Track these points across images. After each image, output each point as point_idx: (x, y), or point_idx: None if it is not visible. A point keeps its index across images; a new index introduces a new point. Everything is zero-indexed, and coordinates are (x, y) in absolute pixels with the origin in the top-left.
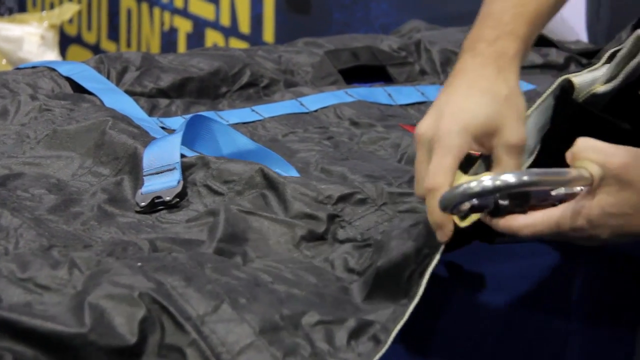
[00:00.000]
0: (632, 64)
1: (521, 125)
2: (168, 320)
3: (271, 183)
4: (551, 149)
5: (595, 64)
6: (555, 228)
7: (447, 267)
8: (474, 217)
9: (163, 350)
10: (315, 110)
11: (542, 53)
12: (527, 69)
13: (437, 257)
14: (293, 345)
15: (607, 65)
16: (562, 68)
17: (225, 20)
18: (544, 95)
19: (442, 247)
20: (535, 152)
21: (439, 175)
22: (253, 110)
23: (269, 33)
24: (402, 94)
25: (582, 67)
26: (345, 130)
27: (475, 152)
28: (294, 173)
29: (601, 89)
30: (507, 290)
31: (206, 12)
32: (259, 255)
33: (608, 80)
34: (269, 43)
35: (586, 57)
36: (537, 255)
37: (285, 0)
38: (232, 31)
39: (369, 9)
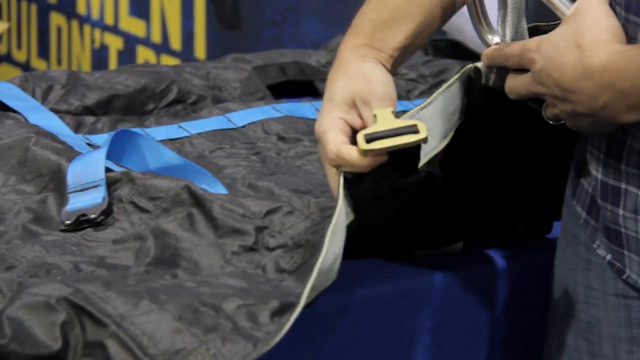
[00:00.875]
0: (513, 21)
1: (371, 84)
2: (88, 320)
3: (198, 200)
4: (467, 138)
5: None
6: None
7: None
8: (383, 143)
9: (87, 349)
10: (243, 126)
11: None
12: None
13: (335, 220)
14: (214, 324)
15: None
16: None
17: (156, 37)
18: (450, 81)
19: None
20: (448, 138)
21: (334, 147)
22: (180, 127)
23: (200, 49)
24: None
25: None
26: (273, 146)
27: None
28: (221, 189)
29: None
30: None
31: (137, 28)
32: (189, 275)
33: None
34: (200, 59)
35: None
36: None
37: (216, 17)
38: (163, 48)
39: (299, 25)
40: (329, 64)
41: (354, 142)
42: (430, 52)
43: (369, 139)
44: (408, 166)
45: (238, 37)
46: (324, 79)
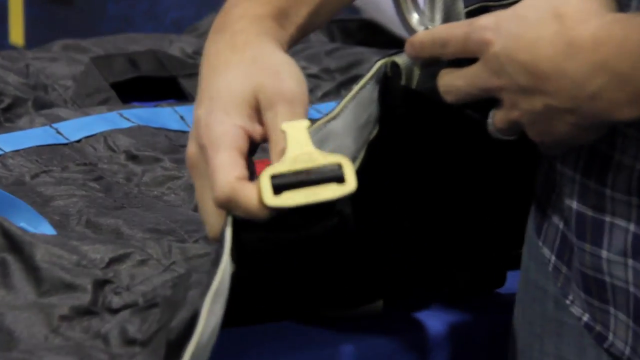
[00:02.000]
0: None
1: (281, 79)
2: None
3: (14, 244)
4: (382, 159)
5: None
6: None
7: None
8: (296, 197)
9: None
10: (78, 141)
11: None
12: None
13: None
14: None
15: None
16: None
17: None
18: (361, 82)
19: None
20: (359, 159)
21: (219, 179)
22: None
23: (16, 32)
24: None
25: None
26: (121, 168)
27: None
28: (47, 229)
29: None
30: None
31: None
32: (1, 350)
33: None
34: (16, 46)
35: None
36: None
37: None
38: None
39: None
40: (198, 54)
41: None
42: (337, 37)
43: (278, 186)
44: (319, 214)
45: (70, 15)
46: (190, 75)
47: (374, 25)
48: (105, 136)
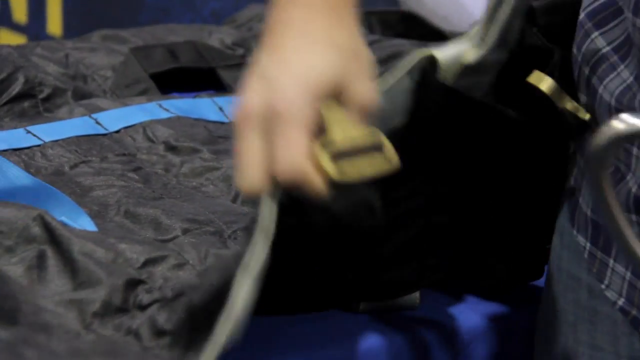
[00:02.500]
0: (502, 16)
1: (369, 82)
2: None
3: (54, 236)
4: (414, 142)
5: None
6: None
7: None
8: (356, 166)
9: None
10: (117, 131)
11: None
12: None
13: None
14: None
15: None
16: None
17: None
18: (397, 74)
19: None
20: None
21: (293, 153)
22: (28, 132)
23: (54, 23)
24: None
25: None
26: (160, 158)
27: None
28: (86, 221)
29: (470, 56)
30: None
31: None
32: (32, 345)
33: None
34: (54, 37)
35: None
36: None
37: None
38: (1, 19)
39: None
40: (238, 44)
41: None
42: (376, 29)
43: (335, 156)
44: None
45: (109, 5)
46: (229, 66)
47: (413, 17)
48: (144, 127)
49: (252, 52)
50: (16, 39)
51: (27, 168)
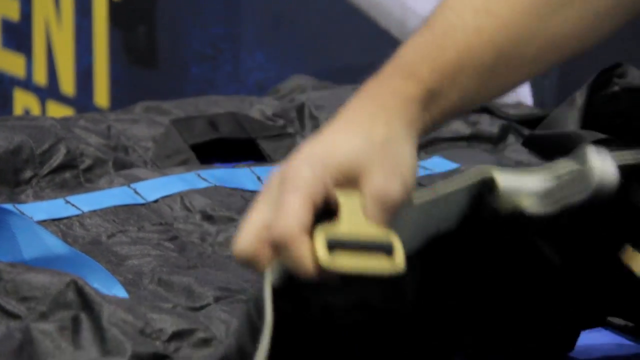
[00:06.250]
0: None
1: (394, 177)
2: None
3: (87, 302)
4: (453, 250)
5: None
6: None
7: None
8: (349, 260)
9: None
10: (155, 201)
11: (470, 120)
12: (449, 142)
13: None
14: None
15: (544, 174)
16: (498, 141)
17: (40, 77)
18: (452, 187)
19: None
20: (414, 246)
21: (286, 216)
22: (67, 202)
23: (101, 94)
24: None
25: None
26: (196, 228)
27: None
28: (119, 290)
29: (528, 205)
30: None
31: (13, 65)
32: None
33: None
34: (101, 109)
35: (529, 126)
36: None
37: (124, 49)
38: (50, 92)
39: (239, 59)
40: (278, 116)
41: None
42: None
43: (332, 244)
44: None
45: (154, 77)
46: (269, 137)
47: None
48: (182, 196)
49: (293, 122)
50: (64, 112)
51: (64, 237)
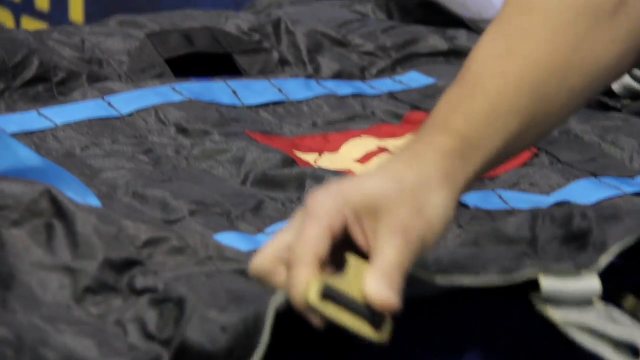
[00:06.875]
0: None
1: (419, 217)
2: None
3: (61, 210)
4: None
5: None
6: None
7: None
8: (334, 311)
9: None
10: (130, 114)
11: (448, 36)
12: (427, 57)
13: None
14: None
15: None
16: None
17: None
18: (493, 280)
19: (261, 349)
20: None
21: (303, 243)
22: (41, 114)
23: (76, 10)
24: (252, 91)
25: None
26: (171, 141)
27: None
28: (94, 201)
29: (555, 319)
30: None
31: None
32: (24, 307)
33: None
34: (76, 24)
35: None
36: None
37: None
38: (24, 7)
39: None
40: (254, 30)
41: None
42: (395, 15)
43: (326, 293)
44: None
45: None
46: (245, 52)
47: (432, 3)
48: (156, 109)
49: (269, 37)
50: (38, 27)
51: (38, 150)
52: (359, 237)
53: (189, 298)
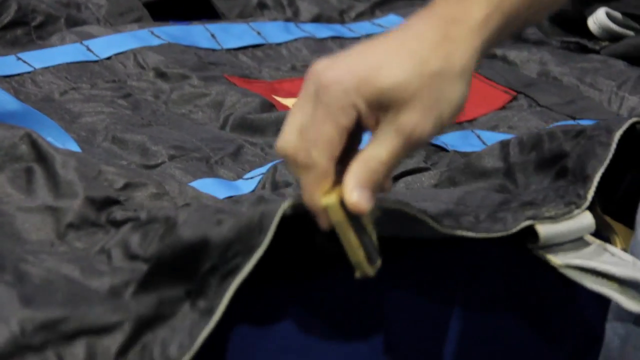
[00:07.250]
0: None
1: (430, 115)
2: None
3: (41, 154)
4: None
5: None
6: None
7: None
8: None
9: None
10: (108, 58)
11: None
12: (404, 0)
13: (254, 259)
14: None
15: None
16: None
17: None
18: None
19: (262, 248)
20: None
21: (315, 147)
22: (19, 59)
23: None
24: (230, 35)
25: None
26: (149, 85)
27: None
28: (73, 146)
29: (556, 263)
30: None
31: None
32: (6, 247)
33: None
34: None
35: None
36: None
37: None
38: None
39: None
40: None
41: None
42: None
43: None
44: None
45: None
46: None
47: None
48: (135, 53)
49: None
50: None
51: (16, 94)
52: (370, 124)
53: (178, 215)
